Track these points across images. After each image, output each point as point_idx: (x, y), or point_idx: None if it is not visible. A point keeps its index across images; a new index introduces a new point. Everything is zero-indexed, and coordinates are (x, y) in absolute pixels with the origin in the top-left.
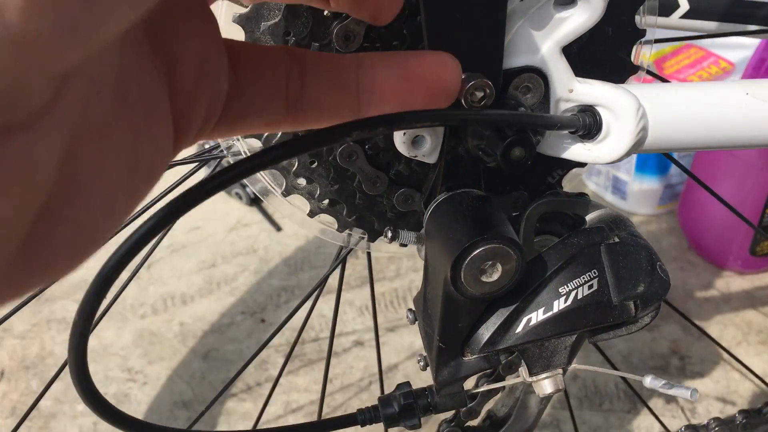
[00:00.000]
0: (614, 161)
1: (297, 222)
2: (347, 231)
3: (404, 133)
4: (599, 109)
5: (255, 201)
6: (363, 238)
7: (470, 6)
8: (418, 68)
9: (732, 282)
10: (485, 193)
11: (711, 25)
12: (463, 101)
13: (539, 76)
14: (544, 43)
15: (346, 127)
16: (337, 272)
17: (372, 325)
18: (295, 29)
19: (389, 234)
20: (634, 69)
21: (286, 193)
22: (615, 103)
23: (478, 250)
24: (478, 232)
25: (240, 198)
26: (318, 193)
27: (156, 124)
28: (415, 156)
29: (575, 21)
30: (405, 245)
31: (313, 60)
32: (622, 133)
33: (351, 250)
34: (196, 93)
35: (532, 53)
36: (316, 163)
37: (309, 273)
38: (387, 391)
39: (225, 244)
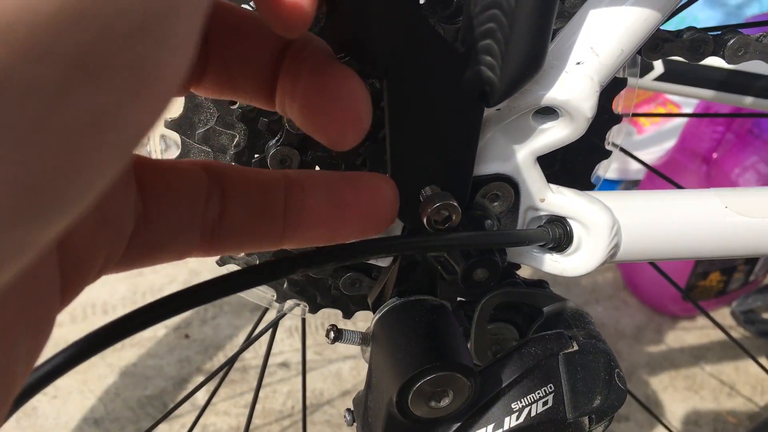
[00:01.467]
0: (583, 275)
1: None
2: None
3: None
4: (571, 222)
5: None
6: (298, 305)
7: (438, 119)
8: (352, 196)
9: (664, 325)
10: (441, 303)
11: (687, 90)
12: (425, 222)
13: (510, 184)
14: (519, 152)
15: (290, 263)
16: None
17: (300, 347)
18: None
19: (331, 335)
20: (606, 154)
21: (222, 262)
22: (589, 218)
23: (429, 378)
24: (430, 358)
25: None
26: None
27: (37, 293)
28: (366, 260)
29: (556, 134)
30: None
31: (236, 179)
32: (593, 249)
33: (284, 315)
34: (93, 244)
35: (504, 161)
36: None
37: None
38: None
39: None
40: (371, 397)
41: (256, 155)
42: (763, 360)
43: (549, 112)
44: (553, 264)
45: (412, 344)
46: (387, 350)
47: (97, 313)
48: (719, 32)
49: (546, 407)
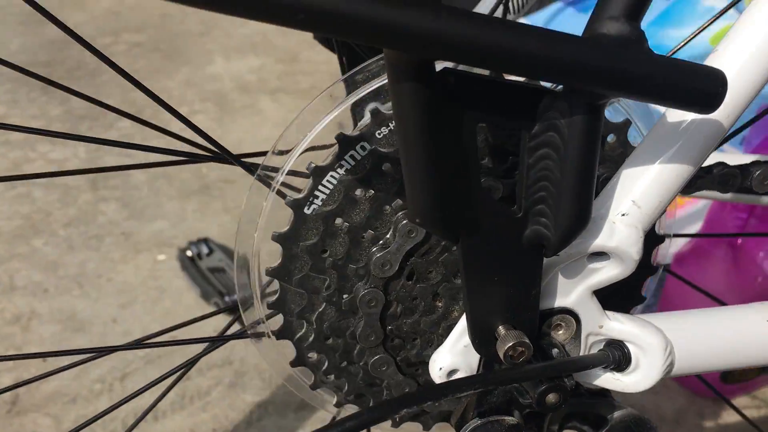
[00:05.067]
0: (642, 391)
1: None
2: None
3: (440, 368)
4: (628, 345)
5: (232, 311)
6: None
7: (505, 270)
8: None
9: (706, 409)
10: (517, 422)
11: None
12: (502, 357)
13: (571, 315)
14: (577, 288)
15: (393, 404)
16: None
17: None
18: (332, 248)
19: None
20: (653, 270)
21: (314, 386)
22: (643, 341)
23: None
24: None
25: (217, 306)
26: (346, 389)
27: None
28: (459, 397)
29: (608, 273)
30: None
31: None
32: (650, 367)
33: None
34: None
35: (565, 296)
36: (346, 363)
37: (284, 388)
38: None
39: None
40: None
41: (345, 295)
42: None
43: (601, 254)
44: (615, 382)
45: None
46: None
47: (148, 420)
48: (746, 163)
49: None
